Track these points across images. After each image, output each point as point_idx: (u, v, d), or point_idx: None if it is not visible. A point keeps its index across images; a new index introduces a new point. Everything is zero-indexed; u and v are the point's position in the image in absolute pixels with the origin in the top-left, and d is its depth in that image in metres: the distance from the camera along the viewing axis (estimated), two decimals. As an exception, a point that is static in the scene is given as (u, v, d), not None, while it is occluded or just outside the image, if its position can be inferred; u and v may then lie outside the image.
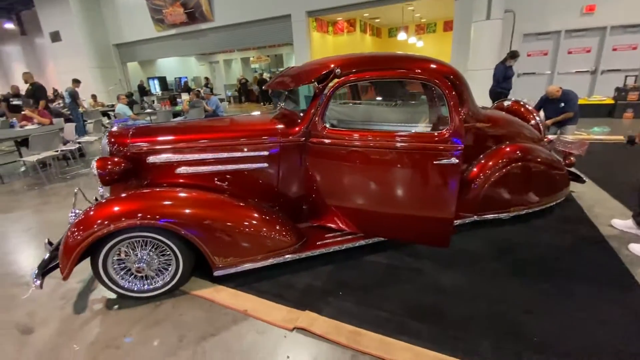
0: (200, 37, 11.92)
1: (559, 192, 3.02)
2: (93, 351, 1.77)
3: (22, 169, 5.78)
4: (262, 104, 15.19)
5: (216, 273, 2.14)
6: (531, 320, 1.82)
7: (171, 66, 17.71)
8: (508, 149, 2.82)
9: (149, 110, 8.94)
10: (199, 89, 10.22)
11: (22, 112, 5.93)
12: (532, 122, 3.37)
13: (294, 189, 2.50)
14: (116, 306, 2.11)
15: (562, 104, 4.99)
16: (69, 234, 1.92)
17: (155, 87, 16.00)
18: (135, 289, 2.11)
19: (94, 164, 2.14)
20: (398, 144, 2.09)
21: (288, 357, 1.68)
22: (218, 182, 2.37)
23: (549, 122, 5.12)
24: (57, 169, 5.51)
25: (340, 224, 2.46)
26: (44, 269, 2.01)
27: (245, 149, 2.34)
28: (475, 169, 2.77)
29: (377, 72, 2.21)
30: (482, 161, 2.79)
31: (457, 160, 2.00)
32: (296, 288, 2.17)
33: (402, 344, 1.69)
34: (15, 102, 7.39)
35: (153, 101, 11.15)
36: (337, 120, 3.03)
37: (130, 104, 8.57)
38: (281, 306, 2.01)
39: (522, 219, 2.89)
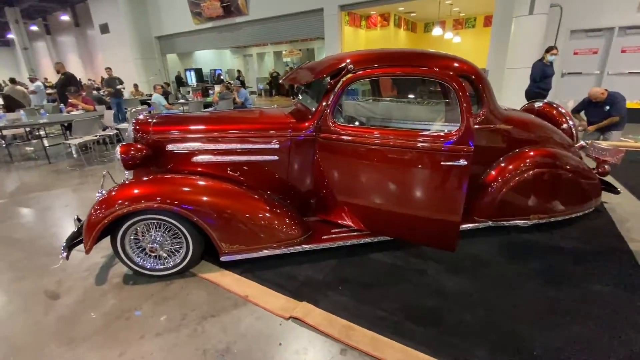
0: (234, 31, 12.24)
1: (587, 202, 2.82)
2: (106, 320, 1.94)
3: (68, 150, 6.31)
4: (291, 97, 15.36)
5: (222, 258, 2.25)
6: (534, 332, 1.74)
7: (207, 58, 18.36)
8: (532, 153, 2.67)
9: (182, 101, 9.37)
10: (230, 82, 10.52)
11: (69, 100, 6.45)
12: (564, 126, 3.16)
13: (304, 182, 2.54)
14: (131, 281, 2.28)
15: (607, 108, 4.62)
16: (92, 211, 2.09)
17: (191, 79, 16.69)
18: (148, 266, 2.26)
19: (118, 149, 2.30)
20: (405, 143, 2.06)
21: (280, 343, 1.74)
22: (231, 172, 2.46)
23: (591, 127, 4.76)
24: (96, 153, 5.96)
25: (347, 220, 2.47)
26: (71, 243, 2.22)
27: (257, 141, 2.41)
28: (493, 172, 2.66)
29: (390, 68, 2.18)
30: (502, 164, 2.66)
31: (466, 162, 1.93)
32: (297, 279, 2.22)
33: (394, 343, 1.68)
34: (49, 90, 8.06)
35: (188, 92, 11.65)
36: (365, 118, 3.02)
37: (166, 94, 9.01)
38: (281, 295, 2.07)
39: (543, 227, 2.74)
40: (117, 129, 6.54)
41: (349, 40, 10.79)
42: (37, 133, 7.01)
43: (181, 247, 2.27)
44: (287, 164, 2.48)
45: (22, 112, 6.59)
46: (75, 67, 20.38)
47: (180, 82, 15.07)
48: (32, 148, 6.86)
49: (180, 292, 2.15)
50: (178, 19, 13.03)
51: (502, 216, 2.66)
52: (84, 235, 2.11)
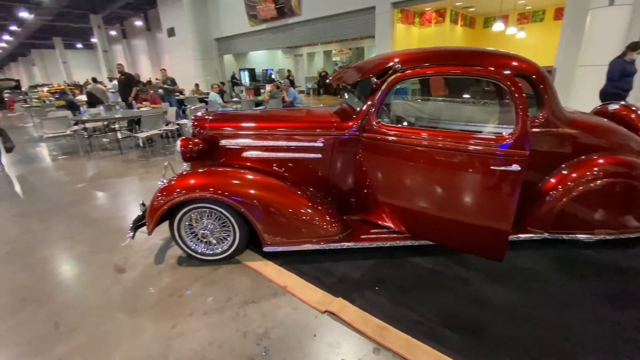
0: (287, 31, 12.60)
1: (669, 219, 2.46)
2: (162, 296, 2.16)
3: (136, 142, 7.05)
4: (338, 96, 15.43)
5: (265, 249, 2.37)
6: (588, 356, 1.59)
7: (261, 59, 19.14)
8: (602, 161, 2.40)
9: (235, 99, 9.91)
10: (280, 81, 10.88)
11: (129, 98, 7.20)
12: (644, 131, 2.78)
13: (345, 181, 2.57)
14: (184, 263, 2.51)
15: None
16: (154, 198, 2.34)
17: (245, 78, 17.55)
18: (199, 251, 2.47)
19: (178, 142, 2.54)
20: (453, 145, 1.99)
21: (315, 335, 1.80)
22: (277, 168, 2.58)
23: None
24: (160, 145, 6.57)
25: (387, 222, 2.45)
26: (137, 224, 2.50)
27: (302, 139, 2.49)
28: (552, 180, 2.44)
29: (439, 68, 2.11)
30: (564, 172, 2.44)
31: (519, 168, 1.81)
32: (334, 275, 2.27)
33: (428, 348, 1.65)
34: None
35: (241, 90, 12.28)
36: (414, 117, 2.97)
37: (221, 92, 9.60)
38: (317, 289, 2.13)
39: (610, 244, 2.46)
40: (177, 124, 7.14)
41: (400, 38, 10.52)
42: (113, 126, 7.92)
43: (229, 236, 2.44)
44: (330, 163, 2.53)
45: (101, 107, 7.50)
46: (145, 68, 22.58)
47: (234, 81, 15.93)
48: (107, 139, 7.78)
49: (226, 277, 2.32)
50: (235, 22, 13.77)
51: (560, 228, 2.44)
52: (147, 219, 2.37)
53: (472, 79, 2.66)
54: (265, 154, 2.55)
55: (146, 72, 21.53)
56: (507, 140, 1.85)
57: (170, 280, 2.31)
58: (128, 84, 7.95)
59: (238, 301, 2.08)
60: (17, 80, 22.06)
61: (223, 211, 2.35)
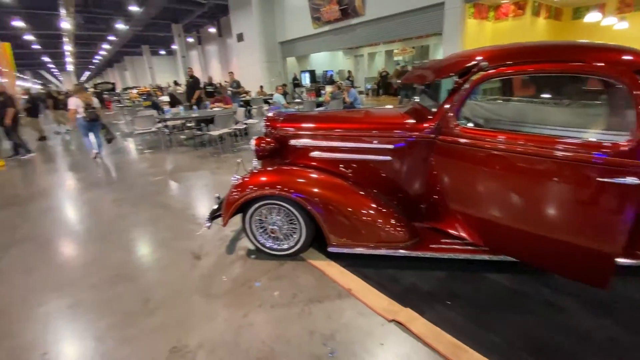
0: (350, 32, 12.59)
1: None
2: (233, 285, 2.29)
3: (206, 140, 7.65)
4: (398, 97, 14.95)
5: (330, 249, 2.37)
6: None
7: (322, 60, 19.43)
8: None
9: (297, 100, 10.20)
10: (341, 82, 10.93)
11: (213, 97, 7.79)
12: None
13: (415, 186, 2.45)
14: (253, 256, 2.63)
15: None
16: (230, 193, 2.49)
17: (305, 80, 17.99)
18: (267, 245, 2.57)
19: (252, 141, 2.68)
20: (548, 152, 1.76)
21: (382, 344, 1.74)
22: (344, 169, 2.56)
23: None
24: (229, 143, 7.04)
25: (460, 232, 2.27)
26: (213, 216, 2.69)
27: (372, 141, 2.44)
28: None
29: (532, 65, 1.88)
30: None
31: (639, 181, 1.53)
32: (401, 284, 2.18)
33: (512, 377, 1.49)
34: (210, 89, 9.66)
35: (302, 92, 12.61)
36: (484, 119, 2.75)
37: (284, 94, 9.97)
38: (383, 296, 2.06)
39: None
40: (245, 123, 7.59)
41: (471, 35, 9.79)
42: (189, 125, 8.70)
43: (295, 233, 2.49)
44: (400, 165, 2.43)
45: (181, 107, 8.29)
46: (216, 71, 24.44)
47: (295, 82, 16.43)
48: (184, 137, 8.57)
49: (292, 273, 2.37)
50: (299, 25, 14.18)
51: (682, 256, 2.02)
52: (222, 211, 2.54)
53: (562, 77, 2.34)
54: (334, 155, 2.55)
55: (217, 75, 23.31)
56: (623, 149, 1.58)
57: (240, 271, 2.44)
58: (193, 87, 8.66)
59: (303, 298, 2.11)
60: (113, 84, 25.61)
61: (291, 208, 2.41)
